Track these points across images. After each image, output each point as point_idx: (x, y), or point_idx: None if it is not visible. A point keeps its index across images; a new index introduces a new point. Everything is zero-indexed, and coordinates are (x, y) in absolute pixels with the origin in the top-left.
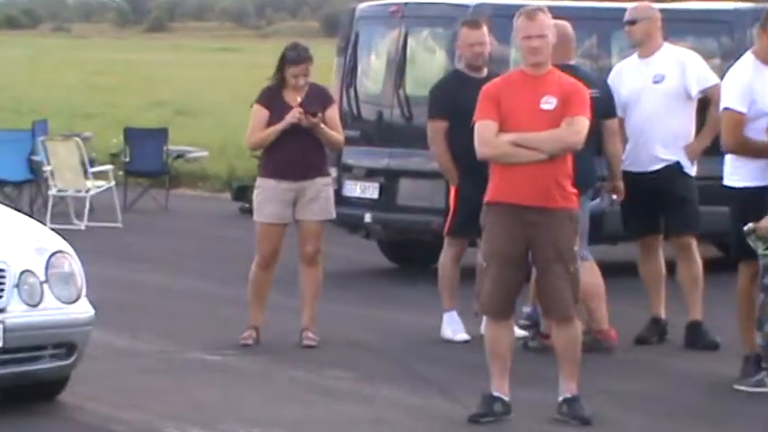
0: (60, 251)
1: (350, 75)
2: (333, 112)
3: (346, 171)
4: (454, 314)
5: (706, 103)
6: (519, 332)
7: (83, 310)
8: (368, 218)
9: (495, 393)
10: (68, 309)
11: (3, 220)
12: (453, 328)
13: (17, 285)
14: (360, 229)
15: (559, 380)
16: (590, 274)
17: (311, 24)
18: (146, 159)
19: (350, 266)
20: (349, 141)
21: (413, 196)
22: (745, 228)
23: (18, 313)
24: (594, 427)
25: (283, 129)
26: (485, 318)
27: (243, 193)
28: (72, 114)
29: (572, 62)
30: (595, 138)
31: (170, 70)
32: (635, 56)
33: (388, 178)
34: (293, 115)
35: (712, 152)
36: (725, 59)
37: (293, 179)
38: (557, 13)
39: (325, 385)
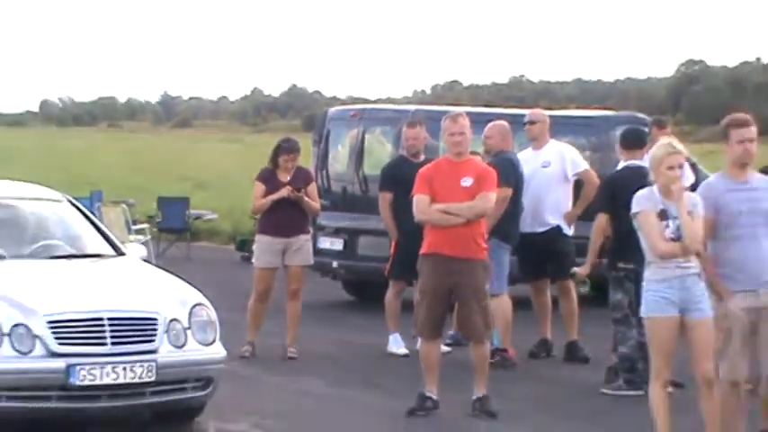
0: (200, 303)
1: (323, 160)
2: (312, 188)
3: (321, 230)
4: (397, 336)
5: (580, 183)
6: (444, 348)
7: (218, 351)
8: (335, 264)
9: (428, 393)
10: (206, 350)
11: (154, 279)
12: (396, 345)
13: (166, 331)
14: (329, 272)
15: (474, 384)
16: (505, 307)
17: (294, 123)
18: (173, 219)
19: (322, 300)
20: (323, 208)
21: (368, 248)
22: (571, 272)
23: (167, 353)
24: (498, 419)
25: (277, 200)
26: (420, 338)
27: (244, 245)
28: (122, 187)
29: (509, 150)
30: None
31: (192, 155)
32: (530, 148)
33: (351, 235)
34: (284, 192)
35: (584, 218)
36: (594, 152)
37: (283, 236)
38: (475, 117)
39: (301, 388)
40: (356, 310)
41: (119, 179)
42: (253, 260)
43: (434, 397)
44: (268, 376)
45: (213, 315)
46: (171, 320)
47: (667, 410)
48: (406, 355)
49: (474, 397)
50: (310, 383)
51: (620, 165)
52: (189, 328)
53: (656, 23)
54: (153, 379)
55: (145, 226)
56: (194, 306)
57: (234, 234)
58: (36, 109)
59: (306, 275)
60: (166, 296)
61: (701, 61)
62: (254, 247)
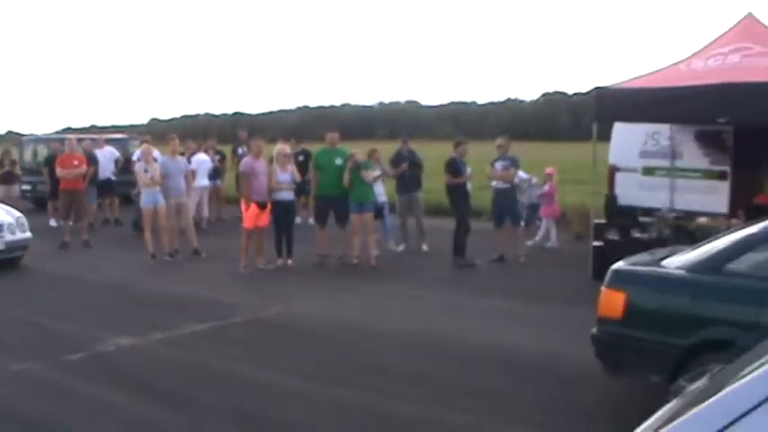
0: (20, 216)
1: (21, 156)
2: (17, 167)
3: (22, 182)
4: (52, 220)
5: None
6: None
7: (29, 235)
8: (28, 195)
9: (65, 240)
10: (24, 235)
11: None
12: (52, 223)
13: (8, 228)
14: (26, 198)
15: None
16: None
17: (9, 144)
18: None
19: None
20: (23, 174)
21: (40, 188)
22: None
23: (9, 237)
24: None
25: (3, 173)
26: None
27: None
28: None
29: (92, 150)
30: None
31: None
32: (98, 149)
33: (33, 184)
34: (7, 168)
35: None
36: (120, 150)
37: (7, 184)
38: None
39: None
40: (37, 211)
41: None
42: None
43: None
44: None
45: (25, 221)
46: (9, 224)
47: (152, 237)
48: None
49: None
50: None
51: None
52: (16, 226)
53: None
54: (3, 248)
55: None
56: (18, 217)
57: None
58: None
59: (18, 200)
60: (6, 214)
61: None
62: None
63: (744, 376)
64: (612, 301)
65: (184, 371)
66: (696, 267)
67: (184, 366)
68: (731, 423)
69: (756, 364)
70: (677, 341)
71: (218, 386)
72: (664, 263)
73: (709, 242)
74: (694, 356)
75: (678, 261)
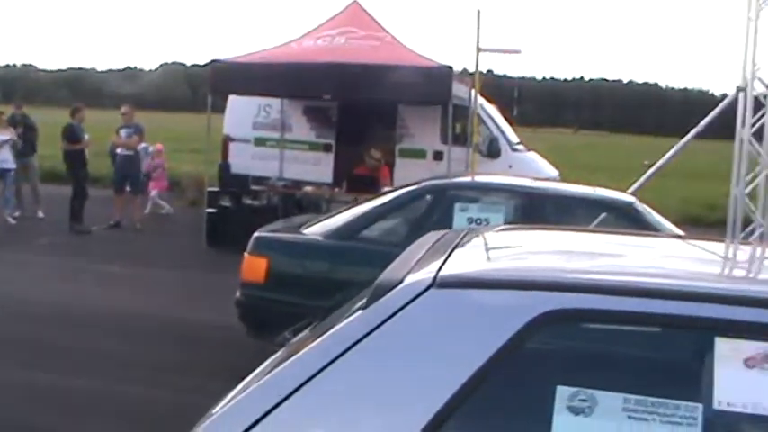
0: None
1: None
2: None
3: None
4: None
5: None
6: None
7: None
8: None
9: None
10: None
11: None
12: None
13: None
14: None
15: None
16: None
17: None
18: None
19: None
20: None
21: None
22: None
23: None
24: None
25: None
26: None
27: None
28: None
29: None
30: None
31: None
32: None
33: None
34: None
35: None
36: None
37: None
38: None
39: None
40: None
41: None
42: None
43: None
44: None
45: None
46: None
47: None
48: None
49: None
50: None
51: None
52: None
53: None
54: None
55: None
56: None
57: None
58: None
59: None
60: None
61: None
62: None
63: (330, 328)
64: (255, 267)
65: None
66: (333, 234)
67: None
68: (320, 369)
69: (344, 315)
70: (317, 303)
71: None
72: (303, 230)
73: (345, 211)
74: None
75: (317, 228)
